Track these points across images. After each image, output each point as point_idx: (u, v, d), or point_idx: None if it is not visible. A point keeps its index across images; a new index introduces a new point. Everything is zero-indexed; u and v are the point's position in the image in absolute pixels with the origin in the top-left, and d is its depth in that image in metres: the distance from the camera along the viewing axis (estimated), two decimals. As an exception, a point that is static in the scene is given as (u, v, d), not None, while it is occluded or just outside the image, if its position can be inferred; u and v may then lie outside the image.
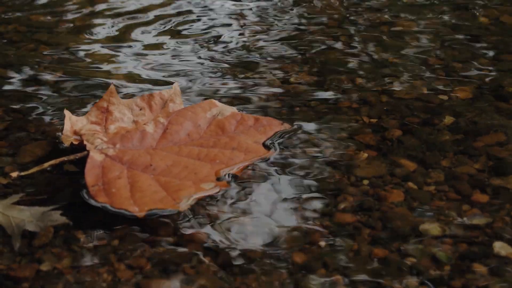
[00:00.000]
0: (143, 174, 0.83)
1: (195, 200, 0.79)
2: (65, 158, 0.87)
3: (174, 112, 0.94)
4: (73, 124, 0.93)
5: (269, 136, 0.92)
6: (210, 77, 1.13)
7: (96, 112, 0.95)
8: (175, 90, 0.97)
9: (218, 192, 0.81)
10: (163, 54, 1.24)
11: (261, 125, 0.93)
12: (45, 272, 0.70)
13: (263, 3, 1.52)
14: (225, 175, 0.84)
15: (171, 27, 1.38)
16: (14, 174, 0.85)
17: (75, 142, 0.89)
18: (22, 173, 0.86)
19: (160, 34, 1.34)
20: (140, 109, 0.96)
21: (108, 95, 0.96)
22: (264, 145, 0.90)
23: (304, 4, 1.51)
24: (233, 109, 0.96)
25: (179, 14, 1.45)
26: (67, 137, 0.91)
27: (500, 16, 1.39)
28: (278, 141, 0.91)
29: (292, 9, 1.48)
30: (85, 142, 0.88)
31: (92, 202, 0.79)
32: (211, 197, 0.80)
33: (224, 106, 0.96)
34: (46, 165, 0.86)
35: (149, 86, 1.10)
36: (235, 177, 0.85)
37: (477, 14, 1.40)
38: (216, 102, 0.96)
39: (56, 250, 0.72)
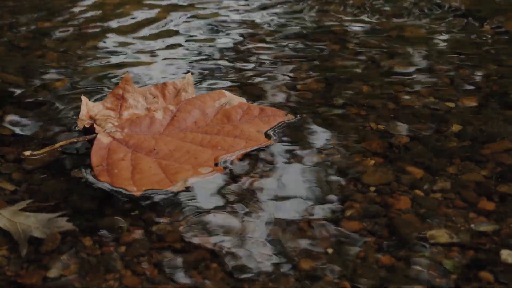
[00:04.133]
0: (146, 157, 0.86)
1: (189, 183, 0.82)
2: (74, 140, 0.91)
3: (184, 100, 0.97)
4: (89, 109, 0.97)
5: (272, 126, 0.95)
6: (213, 79, 1.14)
7: (112, 98, 0.99)
8: (188, 80, 1.00)
9: (214, 175, 0.84)
10: (173, 55, 1.25)
11: (265, 115, 0.96)
12: (52, 278, 0.70)
13: (271, 10, 1.52)
14: (223, 161, 0.87)
15: (182, 30, 1.38)
16: (27, 153, 0.88)
17: (87, 126, 0.93)
18: (35, 152, 0.89)
19: (171, 37, 1.35)
20: (154, 97, 0.99)
21: (123, 83, 0.99)
22: (266, 134, 0.93)
23: (312, 10, 1.51)
24: (242, 99, 0.99)
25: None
26: (82, 121, 0.95)
27: (505, 24, 1.39)
28: (281, 137, 0.92)
29: (299, 16, 1.48)
30: (95, 126, 0.91)
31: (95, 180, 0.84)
32: (217, 196, 0.81)
33: (233, 96, 0.98)
34: (57, 145, 0.90)
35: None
36: (233, 164, 0.88)
37: (485, 23, 1.40)
38: (226, 92, 0.99)
39: (63, 256, 0.72)
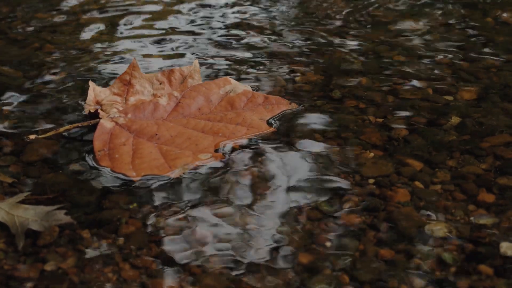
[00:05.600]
0: (148, 142, 0.88)
1: (188, 169, 0.83)
2: (79, 124, 0.93)
3: (189, 87, 0.98)
4: (96, 95, 0.98)
5: (275, 114, 0.96)
6: (213, 74, 1.14)
7: (119, 84, 1.00)
8: (195, 67, 1.02)
9: (213, 162, 0.85)
10: (174, 47, 1.24)
11: (269, 103, 0.97)
12: (49, 272, 0.69)
13: (269, 3, 1.52)
14: (223, 148, 0.88)
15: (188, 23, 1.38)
16: (32, 136, 0.91)
17: (92, 111, 0.94)
18: (40, 136, 0.91)
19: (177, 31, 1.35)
20: (160, 83, 1.00)
21: (130, 68, 1.01)
22: (268, 122, 0.94)
23: (310, 4, 1.51)
24: (247, 87, 0.99)
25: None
26: (89, 106, 0.97)
27: (508, 17, 1.39)
28: (282, 125, 0.92)
29: (297, 9, 1.48)
30: (99, 111, 0.93)
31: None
32: (217, 192, 0.80)
33: (238, 84, 0.99)
34: (61, 129, 0.92)
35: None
36: (233, 151, 0.88)
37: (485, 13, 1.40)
38: (231, 79, 1.00)
39: (61, 249, 0.72)
